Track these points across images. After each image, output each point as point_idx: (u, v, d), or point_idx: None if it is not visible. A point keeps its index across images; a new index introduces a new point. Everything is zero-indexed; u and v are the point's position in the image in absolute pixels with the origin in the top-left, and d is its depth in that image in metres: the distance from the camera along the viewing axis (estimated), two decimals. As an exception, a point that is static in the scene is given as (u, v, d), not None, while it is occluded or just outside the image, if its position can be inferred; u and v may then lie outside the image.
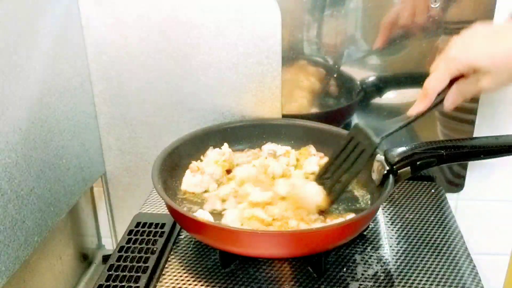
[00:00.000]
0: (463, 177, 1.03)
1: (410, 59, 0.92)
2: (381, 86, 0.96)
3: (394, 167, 0.73)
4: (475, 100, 0.95)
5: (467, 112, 0.96)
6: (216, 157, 0.87)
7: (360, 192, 0.82)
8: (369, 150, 0.71)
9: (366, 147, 0.71)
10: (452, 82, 0.68)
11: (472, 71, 0.64)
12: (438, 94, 0.69)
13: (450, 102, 0.68)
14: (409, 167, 0.74)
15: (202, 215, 0.75)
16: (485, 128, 0.98)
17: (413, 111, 0.71)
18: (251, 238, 0.67)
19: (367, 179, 0.80)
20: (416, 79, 0.94)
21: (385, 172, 0.73)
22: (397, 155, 0.74)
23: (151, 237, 0.80)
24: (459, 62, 0.64)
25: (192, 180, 0.83)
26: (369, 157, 0.72)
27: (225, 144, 0.90)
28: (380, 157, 0.76)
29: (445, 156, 0.74)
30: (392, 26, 0.88)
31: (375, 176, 0.76)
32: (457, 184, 1.03)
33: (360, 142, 0.72)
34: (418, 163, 0.74)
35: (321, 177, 0.77)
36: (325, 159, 0.88)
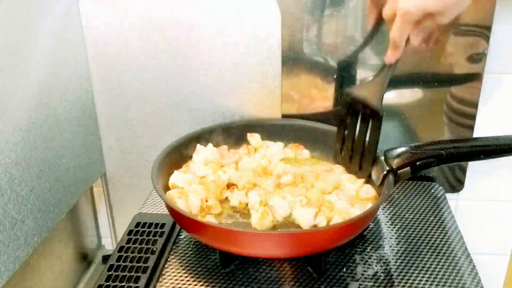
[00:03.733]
0: (463, 177, 1.03)
1: (409, 59, 0.92)
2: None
3: (394, 167, 0.73)
4: (474, 105, 0.95)
5: (468, 111, 0.96)
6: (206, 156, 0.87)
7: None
8: (377, 119, 0.75)
9: (372, 116, 0.75)
10: None
11: (428, 14, 0.69)
12: None
13: (415, 42, 0.73)
14: (408, 168, 0.74)
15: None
16: (485, 128, 0.98)
17: (390, 60, 0.75)
18: (251, 239, 0.67)
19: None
20: (415, 79, 0.94)
21: (385, 172, 0.73)
22: (396, 156, 0.74)
23: (151, 237, 0.80)
24: (414, 12, 0.69)
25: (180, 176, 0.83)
26: (380, 125, 0.75)
27: (209, 145, 0.90)
28: (380, 157, 0.76)
29: (445, 156, 0.74)
30: (377, 5, 0.90)
31: (374, 176, 0.76)
32: (457, 184, 1.03)
33: (360, 111, 0.76)
34: (418, 163, 0.74)
35: (341, 156, 0.81)
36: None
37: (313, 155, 0.91)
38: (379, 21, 0.86)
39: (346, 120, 0.80)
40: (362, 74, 0.95)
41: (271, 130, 0.95)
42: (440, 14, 0.68)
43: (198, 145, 0.88)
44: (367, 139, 0.78)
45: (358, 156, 0.79)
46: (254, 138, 0.92)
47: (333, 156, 0.85)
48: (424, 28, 0.72)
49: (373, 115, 0.75)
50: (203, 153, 0.87)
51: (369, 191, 0.76)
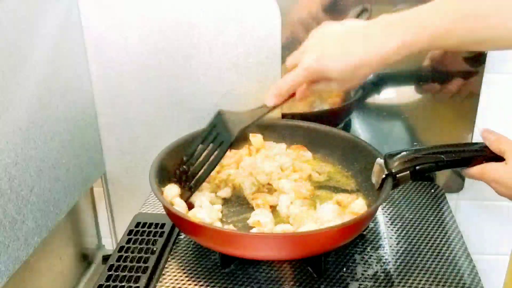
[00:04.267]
0: (463, 177, 1.03)
1: (408, 58, 0.91)
2: (379, 85, 0.96)
3: (393, 171, 0.73)
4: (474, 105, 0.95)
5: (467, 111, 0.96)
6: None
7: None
8: (225, 145, 0.75)
9: (224, 140, 0.75)
10: None
11: (324, 78, 0.69)
12: None
13: (300, 97, 0.74)
14: (408, 172, 0.73)
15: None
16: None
17: (269, 103, 0.75)
18: (249, 241, 0.67)
19: (366, 180, 0.80)
20: (414, 78, 0.94)
21: (384, 176, 0.73)
22: (396, 160, 0.74)
23: (151, 237, 0.80)
24: (313, 72, 0.68)
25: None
26: (225, 152, 0.75)
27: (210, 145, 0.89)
28: (379, 160, 0.76)
29: (446, 161, 0.74)
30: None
31: (374, 179, 0.76)
32: (457, 184, 1.03)
33: (220, 133, 0.76)
34: (417, 167, 0.73)
35: (181, 166, 0.79)
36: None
37: (315, 156, 0.91)
38: None
39: (204, 138, 0.78)
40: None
41: (271, 130, 0.95)
42: (338, 81, 0.67)
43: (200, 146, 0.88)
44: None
45: (194, 172, 0.77)
46: (256, 138, 0.92)
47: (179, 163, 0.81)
48: (315, 89, 0.72)
49: (226, 138, 0.75)
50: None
51: (360, 208, 0.75)
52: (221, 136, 0.76)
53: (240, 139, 0.93)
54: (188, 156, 0.79)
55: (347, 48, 0.66)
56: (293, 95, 0.74)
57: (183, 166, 0.79)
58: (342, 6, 0.89)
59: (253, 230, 0.72)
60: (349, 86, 0.70)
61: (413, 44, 0.62)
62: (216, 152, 0.76)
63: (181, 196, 0.76)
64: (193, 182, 0.77)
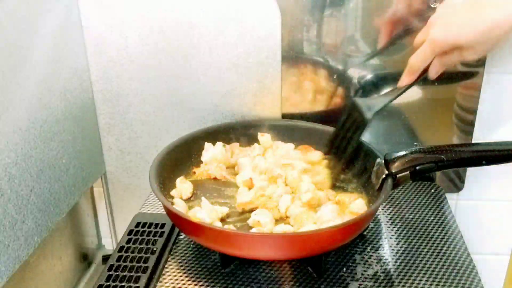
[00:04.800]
0: (463, 177, 1.03)
1: (408, 58, 0.92)
2: (379, 85, 0.96)
3: (393, 171, 0.73)
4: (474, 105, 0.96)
5: (467, 111, 0.96)
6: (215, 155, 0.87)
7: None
8: (362, 127, 0.77)
9: (360, 124, 0.77)
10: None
11: (455, 47, 0.67)
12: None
13: (433, 73, 0.72)
14: (408, 172, 0.73)
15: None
16: (485, 129, 0.98)
17: (401, 84, 0.75)
18: (249, 241, 0.67)
19: (366, 182, 0.80)
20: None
21: (384, 176, 0.73)
22: (396, 160, 0.74)
23: (151, 237, 0.80)
24: (443, 43, 0.67)
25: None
26: (362, 133, 0.77)
27: (218, 143, 0.90)
28: (380, 160, 0.76)
29: (446, 161, 0.74)
30: (393, 24, 0.89)
31: (374, 179, 0.76)
32: (457, 184, 1.03)
33: (356, 119, 0.78)
34: (417, 168, 0.74)
35: (328, 152, 0.85)
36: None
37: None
38: (392, 41, 0.88)
39: (343, 126, 0.81)
40: (362, 74, 0.95)
41: (271, 130, 0.95)
42: (469, 49, 0.66)
43: (206, 143, 0.88)
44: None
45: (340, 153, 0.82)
46: (264, 138, 0.92)
47: (325, 150, 0.87)
48: (447, 62, 0.70)
49: (360, 122, 0.77)
50: (211, 151, 0.87)
51: (360, 207, 0.75)
52: (356, 121, 0.78)
53: (247, 138, 0.93)
54: (329, 142, 0.84)
55: (477, 12, 0.64)
56: (425, 71, 0.72)
57: (332, 150, 0.83)
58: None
59: (253, 230, 0.72)
60: (482, 53, 0.68)
61: None
62: (354, 136, 0.78)
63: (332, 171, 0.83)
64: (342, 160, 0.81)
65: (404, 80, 0.74)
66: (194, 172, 0.87)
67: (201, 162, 0.88)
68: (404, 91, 0.76)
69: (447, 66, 0.72)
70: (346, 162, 0.83)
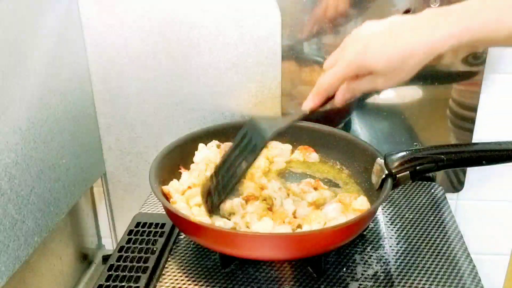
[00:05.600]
0: (463, 177, 1.03)
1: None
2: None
3: (393, 171, 0.73)
4: (474, 105, 0.96)
5: (467, 111, 0.96)
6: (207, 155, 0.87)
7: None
8: (260, 146, 0.69)
9: (258, 143, 0.70)
10: None
11: (368, 72, 0.64)
12: None
13: (340, 99, 0.68)
14: (408, 172, 0.73)
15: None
16: (485, 129, 0.98)
17: (305, 106, 0.69)
18: (249, 241, 0.67)
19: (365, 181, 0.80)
20: (414, 78, 0.94)
21: (384, 176, 0.73)
22: (396, 160, 0.74)
23: (151, 237, 0.80)
24: (356, 66, 0.63)
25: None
26: (259, 153, 0.70)
27: (212, 143, 0.89)
28: (380, 160, 0.76)
29: (446, 161, 0.74)
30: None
31: (374, 179, 0.76)
32: (457, 184, 1.03)
33: (253, 137, 0.71)
34: (417, 168, 0.73)
35: (216, 174, 0.74)
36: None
37: (321, 158, 0.91)
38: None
39: (237, 144, 0.73)
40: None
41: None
42: (382, 76, 0.62)
43: (200, 144, 0.88)
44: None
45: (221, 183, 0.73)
46: None
47: (213, 170, 0.76)
48: (356, 88, 0.66)
49: (256, 144, 0.70)
50: (204, 152, 0.87)
51: (363, 204, 0.75)
52: (252, 140, 0.70)
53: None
54: (217, 168, 0.74)
55: (392, 39, 0.61)
56: (331, 97, 0.68)
57: (212, 180, 0.74)
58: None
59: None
60: (395, 82, 0.64)
61: (461, 35, 0.58)
62: (247, 157, 0.70)
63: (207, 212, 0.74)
64: (221, 189, 0.72)
65: (309, 102, 0.69)
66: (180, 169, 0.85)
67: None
68: (305, 115, 0.69)
69: (355, 94, 0.67)
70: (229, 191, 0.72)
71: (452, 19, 0.59)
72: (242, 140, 0.72)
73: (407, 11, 0.87)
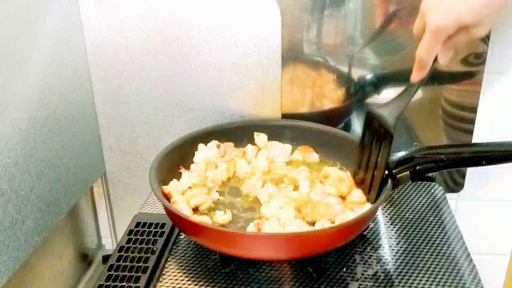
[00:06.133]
0: (463, 177, 1.03)
1: (408, 58, 0.91)
2: (379, 85, 0.96)
3: (393, 171, 0.73)
4: (474, 105, 0.95)
5: (467, 111, 0.96)
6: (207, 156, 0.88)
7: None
8: (388, 139, 0.70)
9: (385, 135, 0.71)
10: None
11: (460, 28, 0.63)
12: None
13: (443, 60, 0.68)
14: (408, 172, 0.73)
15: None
16: (485, 129, 0.98)
17: (414, 80, 0.71)
18: (249, 241, 0.67)
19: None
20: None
21: (384, 176, 0.73)
22: (396, 160, 0.74)
23: (151, 237, 0.80)
24: (446, 27, 0.63)
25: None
26: (390, 145, 0.70)
27: (212, 143, 0.89)
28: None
29: (446, 161, 0.74)
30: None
31: None
32: (457, 184, 1.03)
33: (377, 130, 0.72)
34: (417, 168, 0.74)
35: (356, 176, 0.78)
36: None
37: (321, 158, 0.91)
38: (388, 20, 0.84)
39: (364, 140, 0.76)
40: (362, 74, 0.95)
41: (271, 130, 0.95)
42: (475, 26, 0.62)
43: (200, 144, 0.88)
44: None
45: (369, 180, 0.75)
46: (260, 137, 0.92)
47: (352, 173, 0.80)
48: (455, 44, 0.66)
49: (385, 134, 0.71)
50: (204, 152, 0.87)
51: (359, 196, 0.75)
52: (379, 132, 0.72)
53: (243, 139, 0.93)
54: (356, 165, 0.77)
55: None
56: (434, 61, 0.68)
57: (357, 176, 0.77)
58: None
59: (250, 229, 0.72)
60: (488, 26, 0.63)
61: None
62: (381, 152, 0.72)
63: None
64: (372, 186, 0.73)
65: (416, 76, 0.70)
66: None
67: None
68: (419, 87, 0.71)
69: (456, 49, 0.68)
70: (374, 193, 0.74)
71: None
72: (366, 135, 0.74)
73: None
